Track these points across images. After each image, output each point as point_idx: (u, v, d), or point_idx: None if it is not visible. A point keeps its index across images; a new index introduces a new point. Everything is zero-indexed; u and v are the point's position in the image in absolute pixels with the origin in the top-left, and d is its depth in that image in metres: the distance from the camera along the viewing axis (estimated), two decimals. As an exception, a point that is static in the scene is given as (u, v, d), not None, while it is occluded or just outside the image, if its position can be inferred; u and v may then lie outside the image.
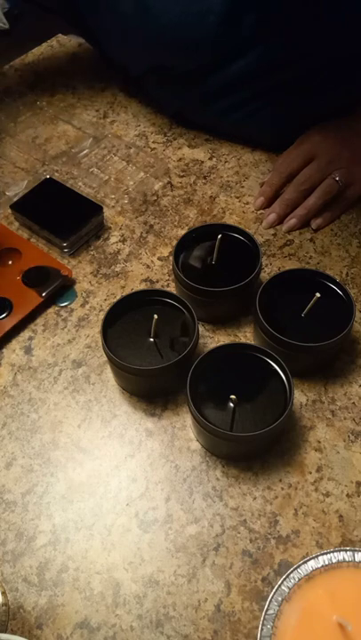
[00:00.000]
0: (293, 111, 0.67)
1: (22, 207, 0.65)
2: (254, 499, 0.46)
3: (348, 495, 0.46)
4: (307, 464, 0.48)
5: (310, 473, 0.48)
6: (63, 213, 0.65)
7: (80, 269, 0.62)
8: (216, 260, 0.55)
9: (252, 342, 0.53)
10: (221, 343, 0.52)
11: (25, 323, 0.57)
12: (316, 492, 0.47)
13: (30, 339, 0.57)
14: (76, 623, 0.42)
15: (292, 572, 0.40)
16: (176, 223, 0.65)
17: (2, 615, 0.42)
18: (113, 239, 0.64)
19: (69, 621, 0.42)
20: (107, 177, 0.70)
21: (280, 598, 0.39)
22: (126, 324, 0.51)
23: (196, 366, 0.47)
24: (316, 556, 0.41)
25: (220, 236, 0.54)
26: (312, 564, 0.40)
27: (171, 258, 0.59)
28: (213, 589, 0.43)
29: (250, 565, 0.44)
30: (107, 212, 0.66)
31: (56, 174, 0.70)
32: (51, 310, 0.58)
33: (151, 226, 0.65)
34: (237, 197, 0.67)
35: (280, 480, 0.47)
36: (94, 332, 0.57)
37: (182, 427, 0.50)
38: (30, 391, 0.53)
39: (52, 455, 0.49)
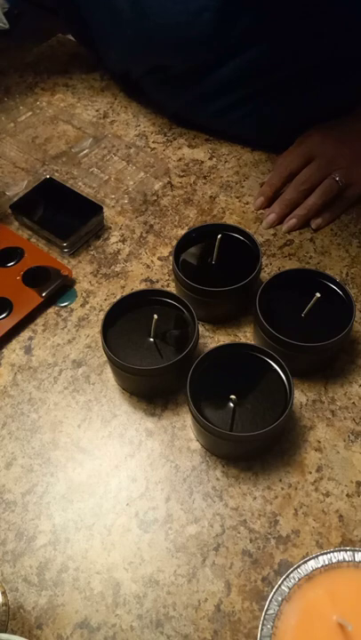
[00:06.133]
0: (293, 111, 0.67)
1: (22, 207, 0.65)
2: (254, 499, 0.46)
3: (348, 495, 0.46)
4: (307, 464, 0.48)
5: (310, 473, 0.48)
6: (63, 213, 0.65)
7: (80, 269, 0.62)
8: (216, 259, 0.55)
9: (252, 342, 0.53)
10: (221, 343, 0.52)
11: (25, 323, 0.57)
12: (316, 492, 0.47)
13: (30, 339, 0.57)
14: (76, 623, 0.42)
15: (292, 571, 0.40)
16: (176, 223, 0.65)
17: (2, 615, 0.42)
18: (113, 239, 0.64)
19: (69, 621, 0.42)
20: (107, 177, 0.70)
21: (280, 598, 0.39)
22: (126, 323, 0.51)
23: (196, 366, 0.47)
24: (316, 556, 0.41)
25: (219, 236, 0.54)
26: (312, 564, 0.40)
27: (171, 258, 0.59)
28: (213, 589, 0.43)
29: (250, 565, 0.44)
30: (107, 212, 0.66)
31: (56, 174, 0.70)
32: (51, 310, 0.58)
33: (151, 226, 0.65)
34: (237, 197, 0.67)
35: (280, 480, 0.47)
36: (94, 332, 0.57)
37: (182, 427, 0.50)
38: (30, 391, 0.53)
39: (52, 455, 0.50)
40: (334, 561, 0.41)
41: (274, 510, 0.46)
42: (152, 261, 0.62)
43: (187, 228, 0.64)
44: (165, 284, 0.60)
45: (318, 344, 0.48)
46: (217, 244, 0.54)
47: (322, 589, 0.40)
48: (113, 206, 0.67)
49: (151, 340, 0.50)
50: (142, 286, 0.60)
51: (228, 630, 0.41)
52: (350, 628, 0.37)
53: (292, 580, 0.40)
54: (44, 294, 0.58)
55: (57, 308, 0.59)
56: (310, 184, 0.63)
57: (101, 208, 0.64)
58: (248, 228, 0.63)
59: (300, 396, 0.52)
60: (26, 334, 0.57)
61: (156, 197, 0.68)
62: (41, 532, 0.46)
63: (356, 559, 0.41)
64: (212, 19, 0.58)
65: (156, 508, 0.46)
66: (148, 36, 0.65)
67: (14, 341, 0.56)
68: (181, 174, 0.70)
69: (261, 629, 0.38)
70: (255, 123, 0.69)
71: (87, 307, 0.59)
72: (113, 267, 0.62)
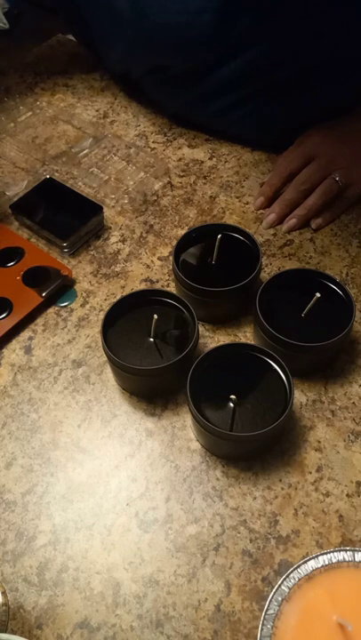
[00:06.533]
0: (293, 111, 0.67)
1: (22, 207, 0.65)
2: (254, 499, 0.46)
3: (348, 495, 0.46)
4: (307, 464, 0.48)
5: (310, 473, 0.48)
6: (63, 213, 0.65)
7: (80, 269, 0.62)
8: (216, 259, 0.55)
9: (252, 342, 0.53)
10: (221, 343, 0.52)
11: (25, 323, 0.57)
12: (316, 492, 0.47)
13: (30, 339, 0.57)
14: (76, 623, 0.42)
15: (292, 571, 0.40)
16: (176, 223, 0.65)
17: (2, 615, 0.42)
18: (113, 239, 0.64)
19: (69, 621, 0.42)
20: (107, 177, 0.70)
21: (280, 598, 0.39)
22: (126, 323, 0.51)
23: (196, 366, 0.47)
24: (316, 556, 0.41)
25: (219, 236, 0.54)
26: (312, 564, 0.40)
27: (171, 258, 0.59)
28: (213, 589, 0.43)
29: (250, 565, 0.44)
30: (107, 212, 0.66)
31: (56, 174, 0.70)
32: (51, 310, 0.58)
33: (151, 226, 0.65)
34: (237, 197, 0.67)
35: (280, 480, 0.47)
36: (94, 332, 0.57)
37: (182, 427, 0.50)
38: (30, 391, 0.53)
39: (52, 455, 0.50)
40: (334, 561, 0.41)
41: (274, 510, 0.46)
42: (152, 261, 0.62)
43: (187, 227, 0.64)
44: (165, 284, 0.60)
45: (318, 344, 0.48)
46: (217, 243, 0.54)
47: (322, 589, 0.40)
48: (113, 206, 0.67)
49: (151, 340, 0.50)
50: (142, 286, 0.60)
51: (228, 630, 0.41)
52: (350, 627, 0.37)
53: (292, 580, 0.40)
54: (44, 294, 0.58)
55: (57, 308, 0.59)
56: (310, 184, 0.63)
57: (101, 208, 0.64)
58: (248, 228, 0.63)
59: (300, 396, 0.52)
60: (26, 334, 0.57)
61: (156, 197, 0.68)
62: (41, 532, 0.46)
63: (356, 559, 0.41)
64: (211, 19, 0.59)
65: (156, 508, 0.46)
66: (148, 36, 0.65)
67: (14, 341, 0.56)
68: (181, 174, 0.70)
69: (261, 629, 0.38)
70: (255, 123, 0.69)
71: (87, 307, 0.59)
72: (113, 267, 0.62)
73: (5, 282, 0.59)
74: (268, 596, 0.39)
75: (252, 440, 0.45)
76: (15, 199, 0.66)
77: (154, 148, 0.73)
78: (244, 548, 0.44)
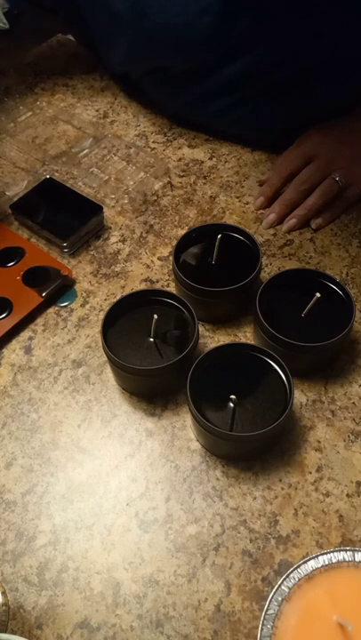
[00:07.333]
0: (293, 111, 0.67)
1: (22, 207, 0.65)
2: (254, 499, 0.46)
3: (348, 495, 0.46)
4: (307, 464, 0.48)
5: (310, 473, 0.48)
6: (63, 213, 0.65)
7: (80, 269, 0.62)
8: (216, 259, 0.55)
9: (252, 342, 0.53)
10: (221, 343, 0.52)
11: (25, 323, 0.57)
12: (316, 492, 0.47)
13: (30, 339, 0.57)
14: (76, 623, 0.42)
15: (292, 571, 0.40)
16: (176, 223, 0.65)
17: (2, 615, 0.42)
18: (113, 239, 0.64)
19: (69, 621, 0.42)
20: (107, 177, 0.70)
21: (280, 598, 0.39)
22: (126, 323, 0.51)
23: (196, 366, 0.47)
24: (316, 556, 0.41)
25: (219, 236, 0.54)
26: (312, 564, 0.40)
27: (171, 258, 0.59)
28: (213, 589, 0.43)
29: (250, 565, 0.44)
30: (107, 212, 0.66)
31: (56, 174, 0.70)
32: (51, 310, 0.58)
33: (151, 226, 0.65)
34: (237, 197, 0.67)
35: (280, 480, 0.47)
36: (94, 332, 0.57)
37: (182, 427, 0.50)
38: (30, 391, 0.53)
39: (52, 455, 0.50)
40: (334, 561, 0.41)
41: (274, 510, 0.46)
42: (152, 261, 0.62)
43: (187, 227, 0.64)
44: (165, 284, 0.60)
45: (318, 344, 0.48)
46: (217, 243, 0.54)
47: (322, 589, 0.40)
48: (113, 206, 0.67)
49: (151, 339, 0.50)
50: (142, 286, 0.60)
51: (228, 630, 0.41)
52: (350, 627, 0.37)
53: (292, 580, 0.40)
54: (44, 294, 0.58)
55: (57, 308, 0.59)
56: (310, 184, 0.63)
57: (101, 208, 0.64)
58: (248, 228, 0.63)
59: (300, 396, 0.52)
60: (26, 334, 0.57)
61: (156, 197, 0.68)
62: (41, 532, 0.46)
63: (357, 559, 0.41)
64: (212, 19, 0.59)
65: (156, 508, 0.46)
66: (148, 37, 0.65)
67: (14, 341, 0.56)
68: (181, 174, 0.70)
69: (261, 629, 0.38)
70: (255, 123, 0.69)
71: (87, 307, 0.59)
72: (113, 267, 0.62)
73: (5, 282, 0.59)
74: (268, 596, 0.39)
75: (252, 440, 0.45)
76: (15, 199, 0.66)
77: (154, 148, 0.73)
78: (244, 548, 0.44)
